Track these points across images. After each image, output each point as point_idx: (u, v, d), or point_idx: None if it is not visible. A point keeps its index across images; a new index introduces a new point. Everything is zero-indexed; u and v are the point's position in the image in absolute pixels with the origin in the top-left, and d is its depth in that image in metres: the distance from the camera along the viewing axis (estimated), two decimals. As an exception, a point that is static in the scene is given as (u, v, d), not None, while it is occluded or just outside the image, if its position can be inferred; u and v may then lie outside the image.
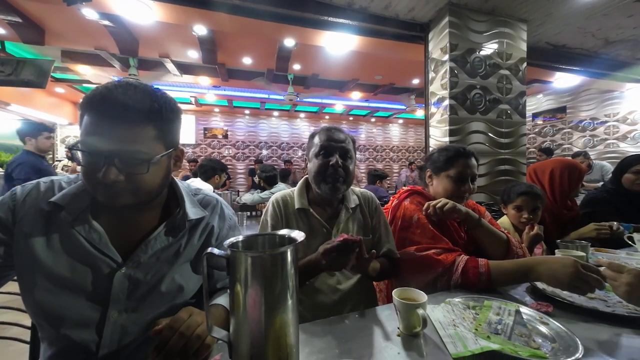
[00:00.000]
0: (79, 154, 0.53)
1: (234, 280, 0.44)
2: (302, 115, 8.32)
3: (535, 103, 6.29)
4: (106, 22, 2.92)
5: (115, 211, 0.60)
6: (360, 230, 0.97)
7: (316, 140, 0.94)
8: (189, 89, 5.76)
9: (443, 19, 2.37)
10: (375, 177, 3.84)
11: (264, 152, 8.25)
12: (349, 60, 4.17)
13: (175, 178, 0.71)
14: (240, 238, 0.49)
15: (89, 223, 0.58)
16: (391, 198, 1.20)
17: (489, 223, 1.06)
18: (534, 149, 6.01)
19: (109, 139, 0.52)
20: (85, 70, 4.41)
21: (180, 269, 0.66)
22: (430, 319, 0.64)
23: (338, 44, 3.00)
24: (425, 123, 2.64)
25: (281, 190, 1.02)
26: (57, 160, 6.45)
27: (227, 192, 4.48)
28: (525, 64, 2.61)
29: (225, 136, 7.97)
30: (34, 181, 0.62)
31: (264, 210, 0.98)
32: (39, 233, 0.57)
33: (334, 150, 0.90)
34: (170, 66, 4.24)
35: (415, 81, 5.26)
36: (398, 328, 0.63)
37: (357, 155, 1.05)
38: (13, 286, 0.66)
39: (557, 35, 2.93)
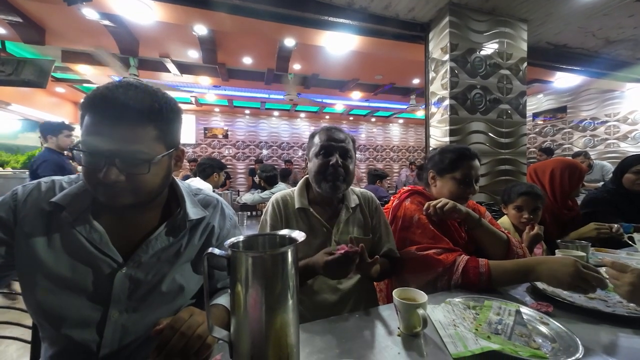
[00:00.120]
0: (80, 154, 0.53)
1: (235, 280, 0.44)
2: (302, 115, 8.32)
3: (536, 103, 6.29)
4: (106, 22, 2.92)
5: (116, 211, 0.60)
6: (360, 230, 0.97)
7: (316, 140, 0.94)
8: (189, 89, 5.76)
9: (443, 18, 2.37)
10: (375, 176, 3.84)
11: (264, 152, 8.26)
12: (349, 60, 4.17)
13: (175, 178, 0.71)
14: (241, 238, 0.49)
15: (90, 223, 0.59)
16: (392, 198, 1.20)
17: (489, 223, 1.06)
18: (534, 149, 6.00)
19: (110, 139, 0.52)
20: (85, 70, 4.41)
21: (181, 269, 0.66)
22: (430, 319, 0.64)
23: (338, 43, 3.00)
24: (425, 123, 2.64)
25: (281, 190, 1.02)
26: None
27: (227, 192, 4.48)
28: (525, 64, 2.61)
29: (226, 136, 7.97)
30: (35, 181, 0.62)
31: (264, 210, 0.98)
32: (40, 233, 0.57)
33: (334, 150, 0.90)
34: (170, 66, 4.24)
35: (416, 81, 5.26)
36: (398, 328, 0.63)
37: (357, 155, 1.05)
38: (14, 286, 0.66)
39: (557, 35, 2.93)
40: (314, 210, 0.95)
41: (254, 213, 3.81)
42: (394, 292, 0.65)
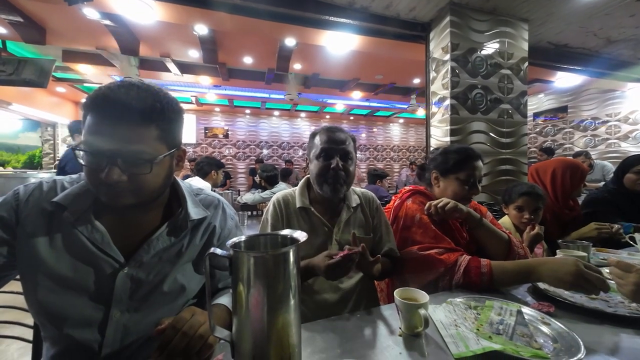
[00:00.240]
0: (82, 154, 0.53)
1: (237, 280, 0.44)
2: (302, 114, 8.32)
3: (537, 103, 6.28)
4: (107, 22, 2.92)
5: (117, 211, 0.60)
6: (361, 230, 0.97)
7: (317, 140, 0.94)
8: (189, 89, 5.76)
9: (444, 18, 2.37)
10: (375, 176, 3.84)
11: (265, 151, 8.25)
12: (350, 60, 4.17)
13: (177, 178, 0.71)
14: (243, 238, 0.49)
15: (92, 223, 0.59)
16: (393, 198, 1.20)
17: (491, 223, 1.06)
18: (535, 149, 6.00)
19: (112, 139, 0.52)
20: (86, 70, 4.41)
21: (182, 268, 0.66)
22: (431, 319, 0.64)
23: (339, 43, 2.99)
24: (426, 123, 2.63)
25: (282, 190, 1.02)
26: (58, 160, 6.47)
27: (228, 191, 4.48)
28: (526, 64, 2.60)
29: (226, 136, 7.97)
30: (37, 181, 0.62)
31: (265, 210, 0.98)
32: (41, 233, 0.57)
33: (335, 153, 0.90)
34: (171, 66, 4.24)
35: (416, 81, 5.25)
36: (400, 328, 0.63)
37: (357, 155, 1.05)
38: (16, 285, 0.66)
39: (558, 34, 2.92)
40: (315, 210, 0.95)
41: (254, 213, 3.80)
42: (395, 292, 0.65)
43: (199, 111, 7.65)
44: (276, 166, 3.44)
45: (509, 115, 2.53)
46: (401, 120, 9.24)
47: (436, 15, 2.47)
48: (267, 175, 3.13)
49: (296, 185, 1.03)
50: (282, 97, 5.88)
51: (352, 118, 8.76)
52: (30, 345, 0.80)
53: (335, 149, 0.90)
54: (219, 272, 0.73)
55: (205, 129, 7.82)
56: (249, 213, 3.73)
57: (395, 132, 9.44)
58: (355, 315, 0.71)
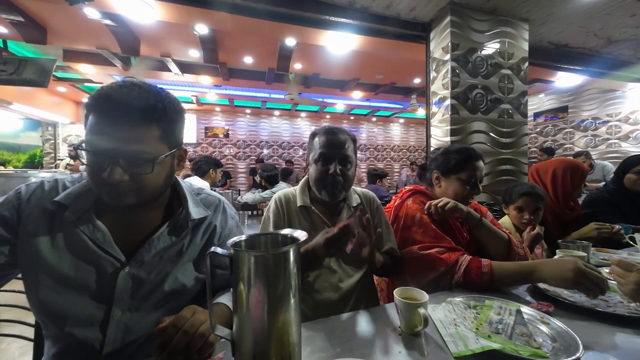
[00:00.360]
0: (84, 154, 0.54)
1: (237, 280, 0.44)
2: (303, 114, 8.32)
3: (537, 102, 6.27)
4: (108, 22, 2.92)
5: (118, 211, 0.61)
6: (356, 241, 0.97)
7: (316, 142, 0.93)
8: (190, 88, 5.77)
9: (444, 18, 2.37)
10: (375, 176, 3.84)
11: (265, 151, 8.26)
12: (350, 60, 4.17)
13: (177, 177, 0.72)
14: (243, 237, 0.50)
15: (93, 222, 0.59)
16: (393, 197, 1.20)
17: (491, 223, 1.06)
18: (535, 149, 6.00)
19: (114, 138, 0.52)
20: (86, 70, 4.42)
21: (183, 268, 0.66)
22: (431, 318, 0.65)
23: (339, 43, 3.00)
24: (426, 123, 2.63)
25: (283, 189, 1.03)
26: (59, 159, 6.48)
27: (228, 191, 4.49)
28: (527, 64, 2.60)
29: (227, 135, 7.98)
30: (39, 180, 0.62)
31: (266, 208, 0.99)
32: (43, 232, 0.57)
33: (333, 157, 0.89)
34: (171, 65, 4.25)
35: (417, 80, 5.25)
36: (399, 327, 0.64)
37: (358, 155, 1.04)
38: (18, 284, 0.67)
39: (559, 34, 2.92)
40: (316, 209, 0.95)
41: (254, 212, 3.81)
42: (395, 291, 0.65)
43: (199, 111, 7.66)
44: (276, 166, 3.45)
45: (509, 115, 2.53)
46: (401, 120, 9.23)
47: (436, 15, 2.47)
48: (267, 175, 3.13)
49: (296, 185, 1.03)
50: (282, 97, 5.89)
51: (352, 118, 8.76)
52: (32, 343, 0.81)
53: (333, 154, 0.89)
54: (220, 271, 0.73)
55: (206, 128, 7.82)
56: (249, 213, 3.74)
57: (396, 132, 9.44)
58: (355, 314, 0.71)
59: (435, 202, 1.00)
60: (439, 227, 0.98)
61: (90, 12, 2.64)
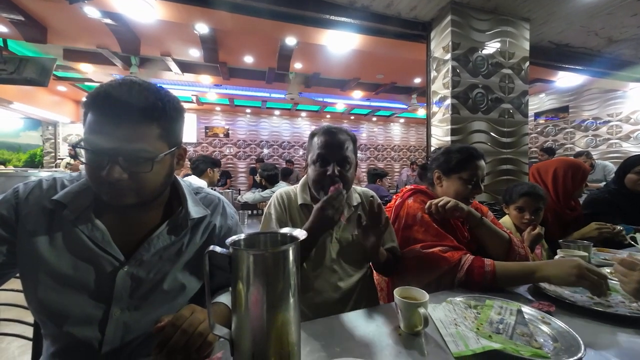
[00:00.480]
0: (83, 152, 0.53)
1: (236, 279, 0.44)
2: (303, 114, 8.31)
3: (538, 102, 6.26)
4: (108, 21, 2.92)
5: (117, 210, 0.60)
6: (361, 229, 0.96)
7: (315, 143, 0.91)
8: (190, 88, 5.77)
9: (445, 17, 2.36)
10: (375, 175, 3.84)
11: (265, 151, 8.26)
12: (351, 59, 4.16)
13: (177, 177, 0.71)
14: (242, 236, 0.49)
15: (92, 221, 0.59)
16: (394, 197, 1.20)
17: (492, 223, 1.06)
18: (535, 149, 5.99)
19: (113, 137, 0.52)
20: (87, 69, 4.42)
21: (183, 267, 0.66)
22: (431, 318, 0.64)
23: (340, 42, 2.99)
24: (427, 122, 2.63)
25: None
26: (59, 159, 6.48)
27: (228, 190, 4.49)
28: (527, 63, 2.60)
29: (227, 135, 7.97)
30: (37, 179, 0.62)
31: (266, 207, 0.98)
32: (41, 231, 0.57)
33: (332, 159, 0.87)
34: (172, 65, 4.25)
35: (417, 80, 5.24)
36: (399, 327, 0.63)
37: (358, 155, 1.04)
38: (16, 283, 0.67)
39: (560, 34, 2.92)
40: None
41: (254, 212, 3.81)
42: (395, 291, 0.65)
43: (199, 110, 7.65)
44: (277, 165, 3.44)
45: (510, 115, 2.53)
46: (402, 120, 9.22)
47: (437, 15, 2.46)
48: (267, 175, 3.13)
49: (296, 184, 1.03)
50: (282, 96, 5.88)
51: (352, 118, 8.76)
52: (31, 343, 0.81)
53: (332, 155, 0.87)
54: (219, 271, 0.73)
55: (206, 128, 7.82)
56: (249, 212, 3.73)
57: (396, 131, 9.44)
58: (355, 314, 0.71)
59: (436, 201, 0.99)
60: (440, 226, 0.98)
61: (91, 11, 2.64)
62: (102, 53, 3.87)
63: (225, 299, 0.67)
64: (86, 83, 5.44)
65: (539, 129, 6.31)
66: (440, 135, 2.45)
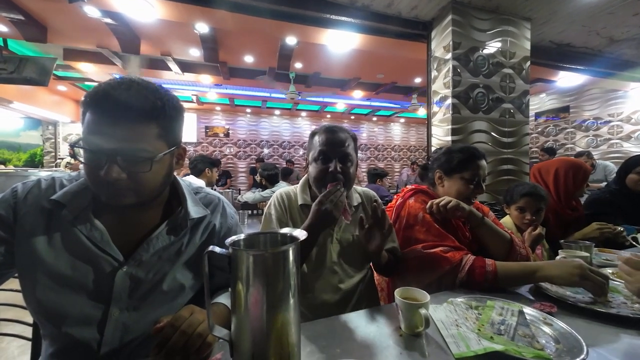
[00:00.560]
0: (82, 152, 0.53)
1: (236, 279, 0.43)
2: (303, 114, 8.31)
3: (538, 102, 6.26)
4: (108, 20, 2.92)
5: (116, 209, 0.60)
6: (362, 229, 0.96)
7: (316, 141, 0.91)
8: (190, 87, 5.76)
9: (446, 17, 2.36)
10: (375, 175, 3.83)
11: (265, 150, 8.25)
12: (351, 59, 4.16)
13: (177, 176, 0.71)
14: (242, 236, 0.49)
15: (91, 221, 0.58)
16: (395, 197, 1.19)
17: (493, 223, 1.06)
18: (536, 149, 5.98)
19: (112, 136, 0.51)
20: (87, 68, 4.41)
21: (182, 267, 0.65)
22: (432, 318, 0.64)
23: (340, 42, 2.99)
24: (427, 122, 2.63)
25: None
26: (59, 158, 6.49)
27: (228, 190, 4.49)
28: (528, 63, 2.59)
29: (227, 135, 7.97)
30: (35, 178, 0.62)
31: (266, 206, 0.98)
32: (40, 231, 0.57)
33: (333, 155, 0.87)
34: (172, 64, 4.24)
35: (418, 80, 5.24)
36: (400, 328, 0.63)
37: (358, 154, 1.03)
38: (15, 283, 0.66)
39: (561, 33, 2.91)
40: None
41: (254, 212, 3.81)
42: (395, 292, 0.64)
43: (199, 110, 7.65)
44: (277, 165, 3.44)
45: (511, 114, 2.52)
46: (402, 120, 9.22)
47: (438, 14, 2.46)
48: (267, 174, 3.12)
49: (297, 184, 1.02)
50: (283, 96, 5.88)
51: (353, 117, 8.75)
52: (30, 343, 0.80)
53: (333, 152, 0.87)
54: (219, 271, 0.73)
55: (206, 127, 7.82)
56: (249, 212, 3.73)
57: (396, 131, 9.43)
58: (355, 315, 0.70)
59: (437, 201, 0.99)
60: (441, 226, 0.98)
61: (91, 11, 2.64)
62: (102, 52, 3.86)
63: (224, 299, 0.67)
64: (86, 82, 5.44)
65: (539, 129, 6.30)
66: (441, 135, 2.44)
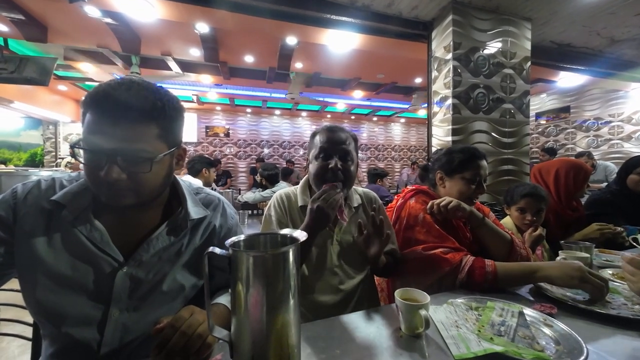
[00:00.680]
0: (82, 152, 0.53)
1: (236, 280, 0.43)
2: (303, 114, 8.30)
3: (539, 103, 6.25)
4: (108, 20, 2.92)
5: (117, 210, 0.60)
6: (361, 234, 0.96)
7: (316, 140, 0.92)
8: (190, 87, 5.76)
9: (446, 17, 2.35)
10: (375, 175, 3.83)
11: (266, 150, 8.25)
12: (351, 59, 4.15)
13: (177, 177, 0.71)
14: (242, 237, 0.49)
15: (91, 222, 0.58)
16: (395, 197, 1.19)
17: (494, 223, 1.06)
18: (537, 149, 5.98)
19: (112, 137, 0.51)
20: (87, 68, 4.41)
21: (182, 268, 0.65)
22: (432, 319, 0.64)
23: (340, 42, 2.98)
24: (427, 122, 2.62)
25: (283, 189, 1.02)
26: (59, 158, 6.49)
27: (228, 190, 4.49)
28: (529, 63, 2.59)
29: (227, 134, 7.97)
30: (35, 179, 0.62)
31: (266, 207, 0.98)
32: (40, 232, 0.57)
33: (334, 153, 0.88)
34: (172, 64, 4.24)
35: (418, 80, 5.23)
36: (400, 329, 0.63)
37: (359, 154, 1.03)
38: (16, 283, 0.66)
39: (561, 33, 2.90)
40: None
41: (255, 212, 3.81)
42: (395, 293, 0.64)
43: (200, 110, 7.65)
44: (277, 165, 3.44)
45: (511, 115, 2.52)
46: (402, 120, 9.21)
47: (438, 14, 2.45)
48: (268, 174, 3.12)
49: (297, 185, 1.02)
50: (283, 96, 5.87)
51: (353, 117, 8.75)
52: (30, 343, 0.80)
53: (334, 149, 0.88)
54: (219, 272, 0.73)
55: (207, 127, 7.82)
56: (250, 212, 3.73)
57: (397, 131, 9.42)
58: (355, 316, 0.70)
59: (437, 201, 0.99)
60: (441, 226, 0.97)
61: (91, 11, 2.64)
62: (102, 52, 3.86)
63: (225, 299, 0.67)
64: (87, 82, 5.44)
65: (540, 129, 6.29)
66: (441, 135, 2.44)
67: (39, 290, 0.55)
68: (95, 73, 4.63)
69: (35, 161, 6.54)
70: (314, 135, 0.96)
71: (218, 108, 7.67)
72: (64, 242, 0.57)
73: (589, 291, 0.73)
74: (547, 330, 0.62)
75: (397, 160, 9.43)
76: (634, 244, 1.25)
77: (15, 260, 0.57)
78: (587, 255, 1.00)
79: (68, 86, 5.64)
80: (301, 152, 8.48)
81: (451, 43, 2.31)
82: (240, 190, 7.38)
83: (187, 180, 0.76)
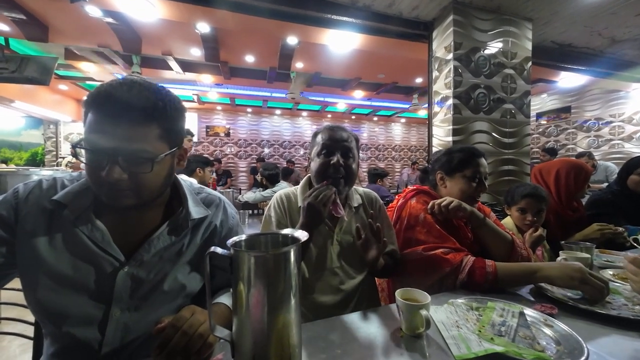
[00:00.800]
0: (83, 152, 0.53)
1: (237, 280, 0.43)
2: (304, 114, 8.30)
3: (540, 103, 6.24)
4: (109, 20, 2.92)
5: (118, 210, 0.60)
6: (361, 243, 0.96)
7: (318, 139, 0.93)
8: (191, 87, 5.76)
9: (447, 17, 2.35)
10: (376, 175, 3.83)
11: (266, 150, 8.25)
12: (352, 59, 4.15)
13: (177, 176, 0.71)
14: (243, 237, 0.49)
15: (92, 222, 0.58)
16: (396, 197, 1.19)
17: (494, 223, 1.06)
18: (537, 149, 5.97)
19: (113, 137, 0.51)
20: (88, 68, 4.42)
21: (183, 268, 0.66)
22: (433, 320, 0.64)
23: (341, 42, 2.98)
24: (428, 122, 2.62)
25: (283, 189, 1.02)
26: (60, 157, 6.50)
27: (229, 190, 4.49)
28: (530, 63, 2.59)
29: (228, 134, 7.97)
30: (37, 179, 0.62)
31: (266, 207, 0.98)
32: (41, 231, 0.57)
33: (336, 149, 0.89)
34: (173, 64, 4.25)
35: (419, 80, 5.23)
36: (401, 329, 0.63)
37: (359, 154, 1.04)
38: (17, 282, 0.66)
39: (562, 34, 2.90)
40: None
41: (255, 212, 3.81)
42: (396, 293, 0.64)
43: (200, 109, 7.65)
44: (277, 165, 3.44)
45: (512, 115, 2.52)
46: (403, 120, 9.21)
47: (439, 14, 2.45)
48: (268, 174, 3.13)
49: (297, 185, 1.02)
50: (283, 95, 5.87)
51: (353, 117, 8.74)
52: (32, 342, 0.81)
53: (336, 146, 0.89)
54: (220, 271, 0.73)
55: (207, 127, 7.82)
56: (250, 212, 3.73)
57: (397, 131, 9.42)
58: (356, 316, 0.70)
59: (438, 201, 0.99)
60: (442, 227, 0.98)
61: (92, 10, 2.64)
62: (103, 52, 3.86)
63: (226, 299, 0.67)
64: (88, 82, 5.44)
65: (540, 130, 6.29)
66: (442, 135, 2.44)
67: (41, 289, 0.55)
68: (96, 73, 4.63)
69: (36, 160, 6.55)
70: (315, 134, 0.97)
71: (219, 108, 7.67)
72: (65, 242, 0.57)
73: (589, 292, 0.73)
74: (547, 331, 0.62)
75: (398, 160, 9.43)
76: (635, 244, 1.25)
77: (17, 260, 0.57)
78: (588, 255, 1.00)
79: (69, 86, 5.64)
80: (302, 152, 8.48)
81: (452, 43, 2.30)
82: (240, 190, 7.38)
83: (187, 180, 0.76)
